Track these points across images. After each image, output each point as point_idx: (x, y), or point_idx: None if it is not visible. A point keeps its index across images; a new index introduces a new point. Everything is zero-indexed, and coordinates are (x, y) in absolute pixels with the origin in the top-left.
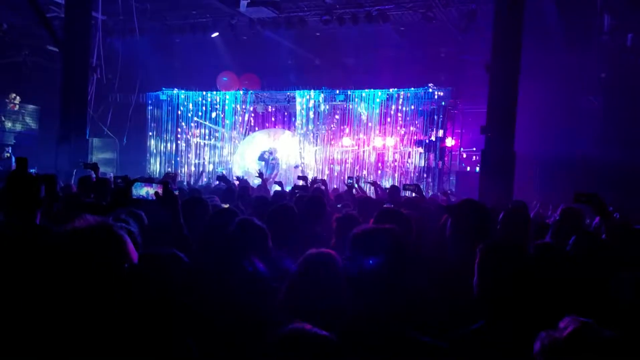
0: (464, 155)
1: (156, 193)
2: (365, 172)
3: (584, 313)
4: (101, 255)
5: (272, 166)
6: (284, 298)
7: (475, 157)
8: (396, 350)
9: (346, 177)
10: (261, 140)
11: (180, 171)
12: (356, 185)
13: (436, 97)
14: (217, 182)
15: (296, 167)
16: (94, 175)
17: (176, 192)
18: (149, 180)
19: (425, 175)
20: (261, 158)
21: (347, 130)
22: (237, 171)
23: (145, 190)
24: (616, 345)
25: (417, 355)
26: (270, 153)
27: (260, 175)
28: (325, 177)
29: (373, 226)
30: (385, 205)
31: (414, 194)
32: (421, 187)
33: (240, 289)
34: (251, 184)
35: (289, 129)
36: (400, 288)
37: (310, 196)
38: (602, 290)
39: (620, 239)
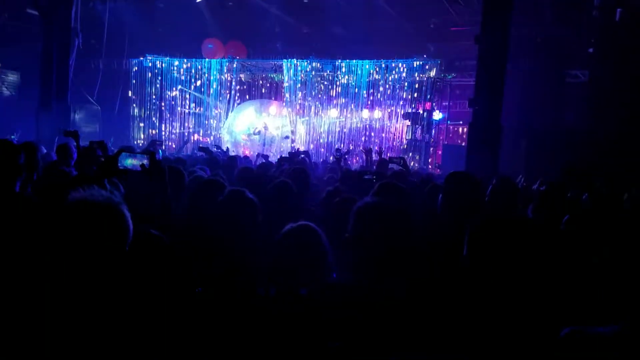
0: (452, 129)
1: (142, 165)
2: (351, 146)
3: (570, 287)
4: (107, 232)
5: (268, 140)
6: (267, 270)
7: (462, 130)
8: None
9: (333, 149)
10: (251, 111)
11: (165, 140)
12: (346, 156)
13: (427, 68)
14: (199, 153)
15: (286, 138)
16: (74, 143)
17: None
18: (133, 150)
19: (412, 148)
20: (256, 133)
21: (335, 102)
22: (227, 142)
23: (130, 161)
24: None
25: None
26: (265, 128)
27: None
28: (312, 148)
29: (375, 200)
30: (365, 177)
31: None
32: (407, 160)
33: (228, 262)
34: (241, 155)
35: (276, 99)
36: (401, 262)
37: (294, 168)
38: (587, 264)
39: (606, 212)
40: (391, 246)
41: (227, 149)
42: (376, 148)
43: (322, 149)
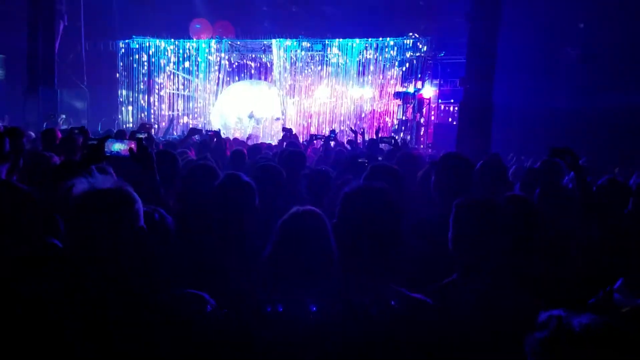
0: (442, 108)
1: (130, 150)
2: (343, 126)
3: (550, 265)
4: (122, 216)
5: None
6: (269, 256)
7: (453, 108)
8: (387, 306)
9: (322, 130)
10: (241, 92)
11: (153, 122)
12: (333, 135)
13: (417, 46)
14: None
15: (277, 119)
16: (60, 128)
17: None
18: (123, 136)
19: (403, 127)
20: (250, 116)
21: (324, 82)
22: (216, 123)
23: (117, 146)
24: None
25: (406, 310)
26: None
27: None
28: (303, 130)
29: (364, 185)
30: (360, 160)
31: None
32: (397, 139)
33: (226, 249)
34: (231, 137)
35: (266, 80)
36: (391, 246)
37: (290, 151)
38: (566, 241)
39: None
40: (378, 231)
41: (219, 130)
42: (365, 127)
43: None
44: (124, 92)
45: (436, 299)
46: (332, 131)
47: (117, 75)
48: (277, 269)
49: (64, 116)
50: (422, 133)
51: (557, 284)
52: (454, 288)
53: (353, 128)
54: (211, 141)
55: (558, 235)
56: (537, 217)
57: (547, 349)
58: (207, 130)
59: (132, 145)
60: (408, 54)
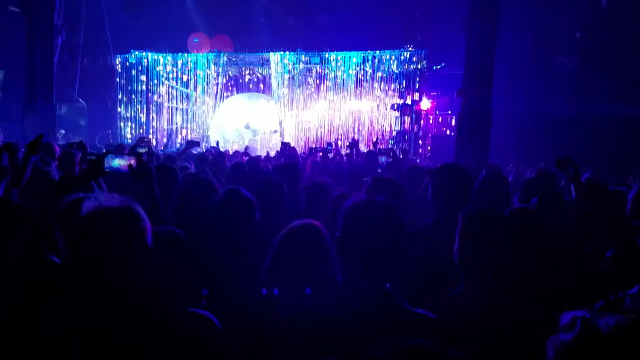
0: (440, 119)
1: (130, 166)
2: (340, 142)
3: (555, 276)
4: (128, 234)
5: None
6: (269, 269)
7: (451, 119)
8: (390, 322)
9: (320, 144)
10: (239, 105)
11: (152, 136)
12: (331, 148)
13: (414, 59)
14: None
15: (275, 132)
16: (58, 143)
17: (150, 158)
18: (122, 150)
19: (401, 139)
20: (247, 127)
21: (322, 94)
22: (215, 136)
23: (117, 162)
24: None
25: (411, 326)
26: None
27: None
28: (301, 143)
29: (366, 199)
30: (365, 179)
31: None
32: (396, 151)
33: (227, 263)
34: (230, 151)
35: (264, 92)
36: (393, 260)
37: (285, 164)
38: (569, 249)
39: (588, 199)
40: (381, 245)
41: (217, 142)
42: (362, 138)
43: (312, 143)
44: (123, 106)
45: (440, 313)
46: (329, 144)
47: (116, 89)
48: (277, 283)
49: (63, 131)
50: (420, 144)
51: (565, 294)
52: (458, 301)
53: (349, 142)
54: (209, 154)
55: (564, 246)
56: (547, 231)
57: (574, 352)
58: (208, 147)
59: (132, 161)
60: (405, 66)
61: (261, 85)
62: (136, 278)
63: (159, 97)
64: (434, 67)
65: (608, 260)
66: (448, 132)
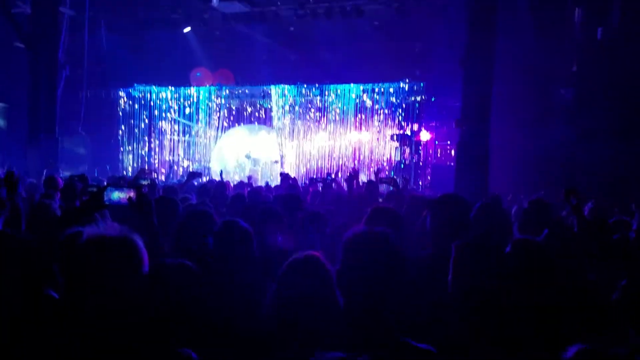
0: (439, 152)
1: (129, 199)
2: (340, 175)
3: (559, 307)
4: (125, 263)
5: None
6: (270, 305)
7: (450, 149)
8: (391, 356)
9: (321, 174)
10: (241, 136)
11: (154, 168)
12: (330, 179)
13: (413, 89)
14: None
15: (275, 162)
16: (61, 176)
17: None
18: (122, 185)
19: (401, 169)
20: (247, 156)
21: (323, 126)
22: (216, 167)
23: (116, 195)
24: None
25: None
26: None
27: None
28: (302, 174)
29: (365, 229)
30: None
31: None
32: (398, 180)
33: (225, 296)
34: (231, 181)
35: (265, 124)
36: (393, 292)
37: (286, 194)
38: (576, 281)
39: (592, 232)
40: (379, 277)
41: (221, 172)
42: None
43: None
44: (125, 139)
45: (443, 348)
46: (329, 174)
47: (118, 122)
48: (279, 327)
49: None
50: (419, 174)
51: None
52: (459, 335)
53: (349, 172)
54: (211, 186)
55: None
56: (551, 262)
57: None
58: (211, 179)
59: (131, 194)
60: (403, 99)
61: (262, 115)
62: (131, 306)
63: (161, 129)
64: (432, 99)
65: (621, 290)
66: (442, 159)
